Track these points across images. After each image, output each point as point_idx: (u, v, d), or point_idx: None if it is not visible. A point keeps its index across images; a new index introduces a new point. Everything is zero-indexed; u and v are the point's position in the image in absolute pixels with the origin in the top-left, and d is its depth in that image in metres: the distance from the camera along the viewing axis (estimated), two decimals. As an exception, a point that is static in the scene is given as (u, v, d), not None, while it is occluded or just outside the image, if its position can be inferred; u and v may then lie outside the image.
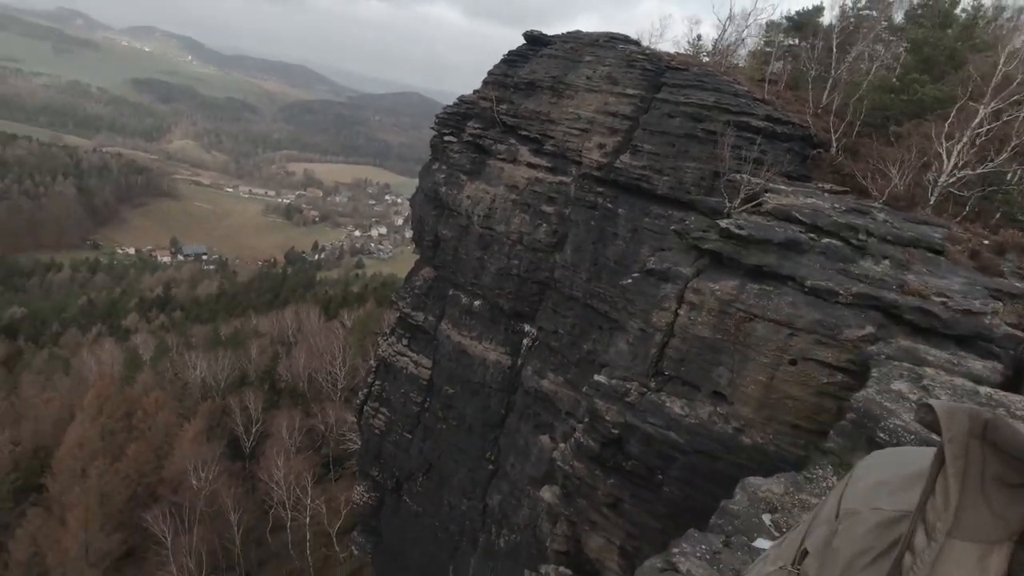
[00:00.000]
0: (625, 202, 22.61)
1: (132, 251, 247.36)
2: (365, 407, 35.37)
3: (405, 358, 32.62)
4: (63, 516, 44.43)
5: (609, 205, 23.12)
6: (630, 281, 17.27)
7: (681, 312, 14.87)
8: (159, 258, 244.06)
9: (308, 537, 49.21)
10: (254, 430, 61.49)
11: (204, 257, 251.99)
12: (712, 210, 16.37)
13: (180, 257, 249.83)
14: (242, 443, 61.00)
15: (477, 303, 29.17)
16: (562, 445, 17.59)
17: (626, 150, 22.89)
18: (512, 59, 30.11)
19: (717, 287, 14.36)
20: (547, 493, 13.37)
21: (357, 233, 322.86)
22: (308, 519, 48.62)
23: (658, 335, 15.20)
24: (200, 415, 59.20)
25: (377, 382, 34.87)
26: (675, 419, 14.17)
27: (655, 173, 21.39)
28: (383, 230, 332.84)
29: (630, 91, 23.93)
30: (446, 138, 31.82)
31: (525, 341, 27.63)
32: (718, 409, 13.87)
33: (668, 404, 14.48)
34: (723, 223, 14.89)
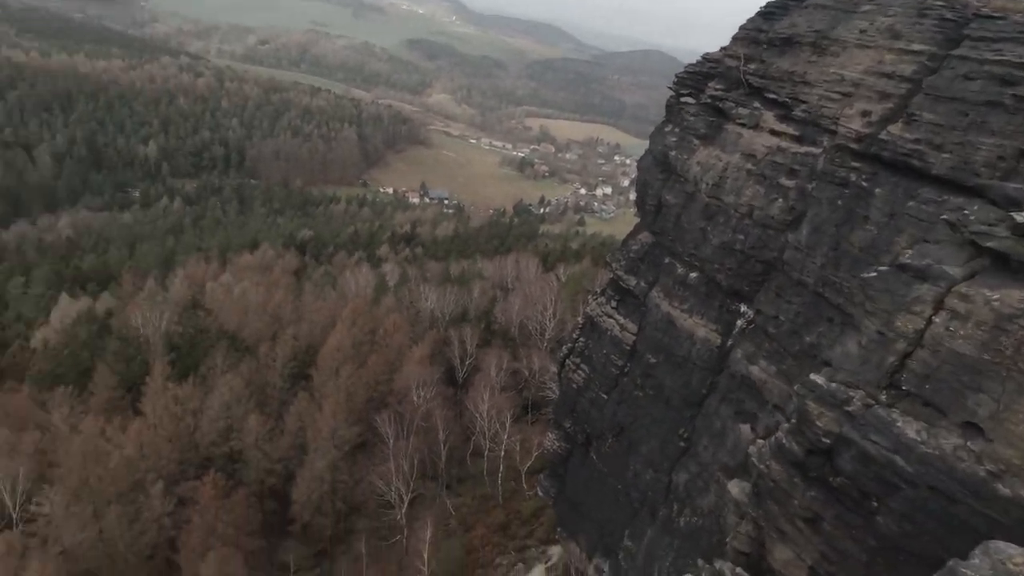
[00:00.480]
0: (886, 181, 19.21)
1: (390, 191, 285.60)
2: (567, 361, 36.59)
3: (611, 320, 32.77)
4: (320, 404, 54.63)
5: (864, 183, 19.87)
6: (875, 274, 14.85)
7: (937, 320, 12.40)
8: (410, 199, 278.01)
9: (501, 469, 53.66)
10: (467, 363, 67.95)
11: (445, 201, 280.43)
12: (1008, 199, 13.06)
13: (426, 200, 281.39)
14: (456, 372, 67.96)
15: (693, 275, 27.86)
16: (761, 441, 16.26)
17: (897, 119, 19.27)
18: (769, 11, 27.03)
19: (996, 296, 11.62)
20: (736, 488, 12.56)
21: (582, 191, 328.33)
22: (503, 452, 52.92)
23: (900, 342, 12.93)
24: (426, 341, 67.17)
25: (582, 339, 35.70)
26: (906, 443, 12.08)
27: (932, 149, 17.70)
28: (608, 190, 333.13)
29: (916, 47, 19.89)
30: (683, 99, 30.22)
31: (739, 322, 25.74)
32: (969, 444, 11.45)
33: (900, 424, 12.38)
34: (1021, 217, 11.87)
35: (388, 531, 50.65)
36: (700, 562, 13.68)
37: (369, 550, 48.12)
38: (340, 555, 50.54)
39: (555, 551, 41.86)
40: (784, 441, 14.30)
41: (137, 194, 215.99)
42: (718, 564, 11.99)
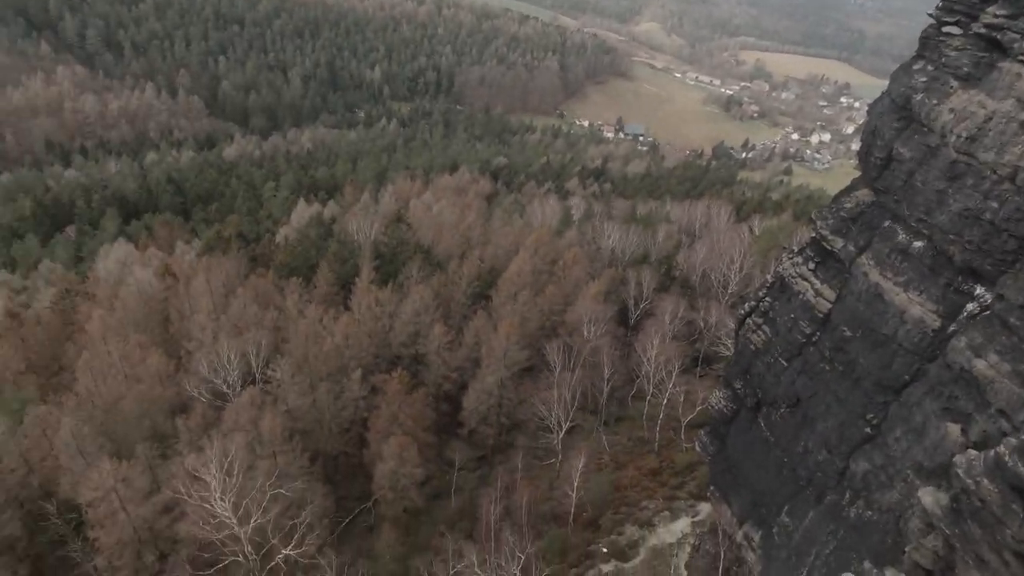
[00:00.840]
0: None
1: (585, 124, 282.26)
2: (748, 319, 34.26)
3: (806, 283, 29.71)
4: (496, 324, 58.29)
5: None
6: None
7: None
8: (604, 132, 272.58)
9: (661, 416, 53.20)
10: (642, 306, 66.99)
11: (640, 138, 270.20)
12: None
13: (621, 135, 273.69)
14: (629, 314, 67.50)
15: (917, 244, 23.88)
16: (973, 452, 13.84)
17: None
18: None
19: None
20: (929, 497, 10.83)
21: (795, 136, 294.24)
22: (665, 401, 52.21)
23: None
24: (603, 279, 67.30)
25: (767, 298, 33.02)
26: None
27: None
28: (825, 137, 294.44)
29: None
30: (945, 28, 24.90)
31: (970, 306, 21.72)
32: None
33: None
34: None
35: (544, 452, 53.73)
36: (867, 565, 12.33)
37: (524, 465, 51.68)
38: (499, 463, 55.05)
39: (704, 508, 41.13)
40: (1007, 458, 12.01)
41: (362, 114, 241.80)
42: (889, 573, 10.66)
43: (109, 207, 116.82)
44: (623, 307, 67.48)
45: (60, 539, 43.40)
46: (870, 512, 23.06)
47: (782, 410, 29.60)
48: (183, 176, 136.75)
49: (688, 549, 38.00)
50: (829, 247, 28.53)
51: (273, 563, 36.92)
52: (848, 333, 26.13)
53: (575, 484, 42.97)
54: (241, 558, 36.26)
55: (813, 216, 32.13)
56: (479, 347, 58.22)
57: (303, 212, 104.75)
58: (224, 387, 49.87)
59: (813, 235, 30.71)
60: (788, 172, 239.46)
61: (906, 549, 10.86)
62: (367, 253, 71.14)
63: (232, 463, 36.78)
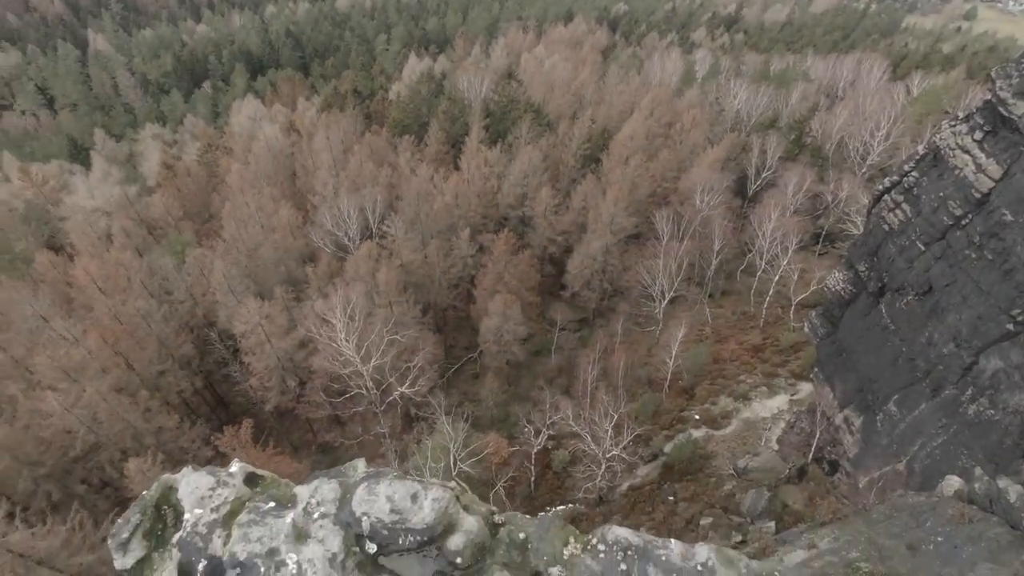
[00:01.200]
0: None
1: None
2: (886, 196, 30.78)
3: (967, 157, 25.77)
4: (605, 189, 56.82)
5: None
6: None
7: None
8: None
9: (770, 293, 51.21)
10: (764, 175, 62.08)
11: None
12: None
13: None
14: (748, 183, 62.98)
15: (1126, 114, 19.63)
16: None
17: None
18: None
19: None
20: None
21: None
22: (777, 277, 49.86)
23: None
24: (723, 144, 62.36)
25: (914, 173, 29.21)
26: None
27: None
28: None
29: None
30: None
31: None
32: None
33: None
34: None
35: (644, 320, 54.33)
36: (978, 471, 11.71)
37: (624, 331, 52.81)
38: (599, 327, 56.65)
39: (804, 388, 40.52)
40: None
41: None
42: (1002, 483, 10.08)
43: (237, 63, 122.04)
44: (742, 176, 62.86)
45: (223, 361, 51.60)
46: (992, 411, 21.63)
47: (909, 298, 27.38)
48: (300, 29, 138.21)
49: (782, 425, 38.24)
50: (1007, 113, 24.15)
51: (391, 398, 41.88)
52: (1009, 218, 22.87)
53: (674, 352, 43.54)
54: (364, 391, 41.39)
55: (993, 73, 26.94)
56: (586, 212, 57.61)
57: (414, 67, 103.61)
58: (345, 240, 53.83)
59: (988, 98, 26.01)
60: (971, 16, 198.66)
61: None
62: (477, 111, 70.07)
63: (354, 309, 40.74)
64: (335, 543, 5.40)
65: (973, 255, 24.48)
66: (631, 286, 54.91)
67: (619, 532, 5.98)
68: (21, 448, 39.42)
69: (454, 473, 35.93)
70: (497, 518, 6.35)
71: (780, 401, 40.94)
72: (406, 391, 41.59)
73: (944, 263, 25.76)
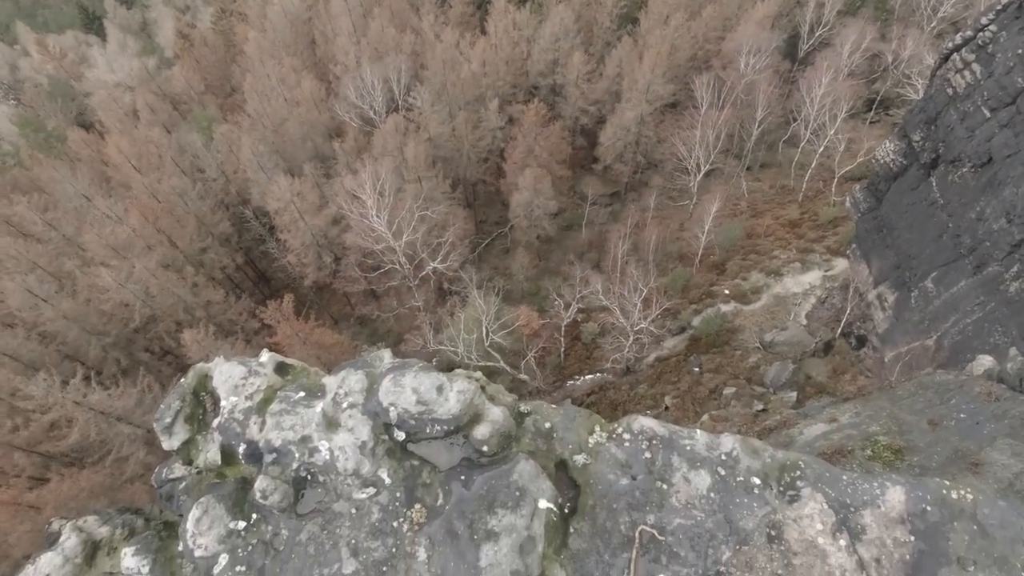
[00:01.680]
0: None
1: None
2: (955, 55, 27.94)
3: (1055, 7, 22.93)
4: (641, 53, 52.87)
5: None
6: None
7: None
8: None
9: (813, 165, 48.84)
10: (817, 35, 56.78)
11: None
12: None
13: None
14: (799, 43, 57.84)
15: None
16: None
17: None
18: None
19: None
20: None
21: None
22: (822, 148, 47.24)
23: None
24: (775, -2, 56.37)
25: (991, 27, 26.20)
26: None
27: None
28: None
29: None
30: None
31: None
32: None
33: None
34: None
35: (678, 194, 52.93)
36: (1013, 351, 11.61)
37: (657, 205, 51.74)
38: (631, 201, 55.56)
39: (839, 264, 39.86)
40: None
41: None
42: None
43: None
44: (794, 35, 57.46)
45: (260, 238, 52.96)
46: (1035, 289, 21.13)
47: (964, 170, 25.85)
48: None
49: (812, 301, 38.21)
50: (1111, -45, 21.02)
51: (424, 273, 42.90)
52: (1092, 80, 20.73)
53: (706, 227, 42.82)
54: (397, 266, 42.39)
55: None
56: (621, 79, 54.22)
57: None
58: (371, 112, 52.32)
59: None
60: None
61: None
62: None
63: (383, 185, 40.56)
64: (364, 431, 5.67)
65: (1044, 122, 22.60)
66: (665, 159, 52.91)
67: (644, 422, 6.11)
68: (87, 319, 42.39)
69: (487, 344, 37.60)
70: (523, 407, 6.49)
71: (813, 277, 40.58)
72: (438, 266, 42.45)
73: (1010, 131, 23.91)
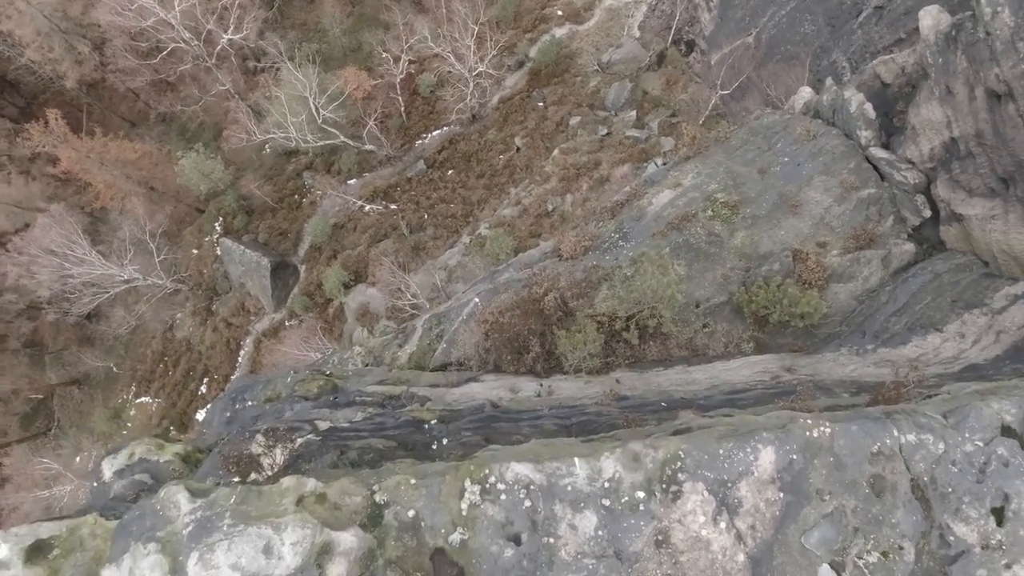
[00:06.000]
0: None
1: None
2: None
3: None
4: None
5: None
6: None
7: None
8: None
9: None
10: None
11: None
12: None
13: None
14: None
15: None
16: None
17: None
18: None
19: None
20: (929, 19, 9.17)
21: None
22: None
23: None
24: None
25: None
26: None
27: None
28: None
29: None
30: None
31: None
32: None
33: None
34: None
35: None
36: (828, 82, 11.91)
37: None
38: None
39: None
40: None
41: None
42: (847, 92, 10.22)
43: None
44: None
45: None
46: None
47: None
48: None
49: (644, 9, 37.19)
50: None
51: (219, 48, 35.75)
52: None
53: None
54: (183, 43, 34.77)
55: None
56: None
57: None
58: None
59: None
60: None
61: (872, 63, 10.37)
62: None
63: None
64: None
65: None
66: None
67: (517, 468, 5.52)
68: None
69: (320, 121, 34.03)
70: (378, 496, 5.41)
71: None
72: (232, 37, 35.39)
73: None
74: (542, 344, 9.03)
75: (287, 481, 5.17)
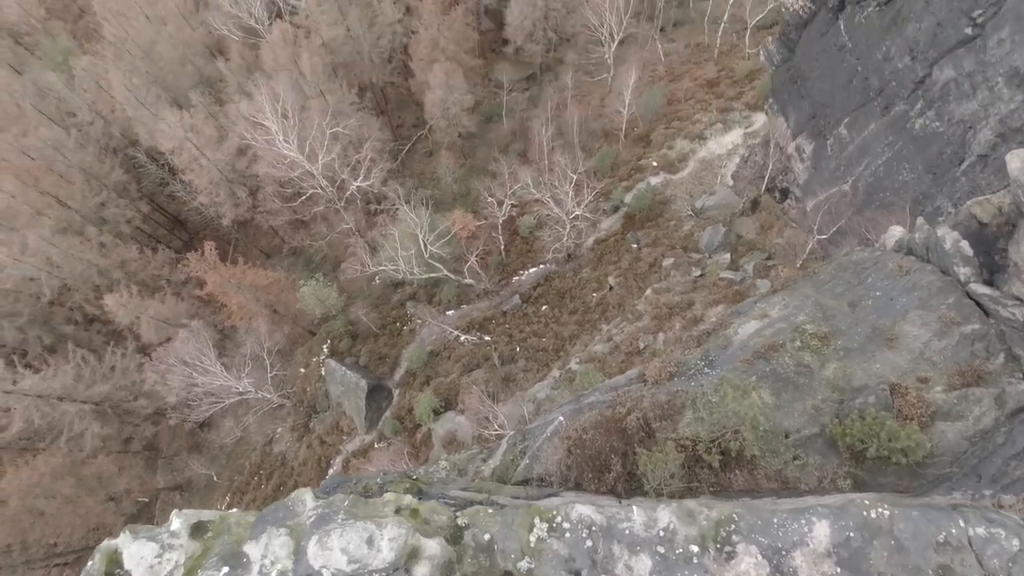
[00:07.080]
0: None
1: None
2: None
3: None
4: (536, -88, 48.37)
5: None
6: None
7: None
8: None
9: (726, 17, 47.73)
10: None
11: None
12: None
13: None
14: None
15: None
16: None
17: None
18: None
19: None
20: (1018, 162, 9.50)
21: None
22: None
23: None
24: None
25: None
26: None
27: None
28: None
29: None
30: None
31: None
32: None
33: None
34: None
35: (595, 67, 51.23)
36: (920, 221, 11.91)
37: (575, 82, 50.08)
38: (548, 82, 53.53)
39: (758, 120, 40.39)
40: None
41: None
42: (940, 231, 10.25)
43: None
44: None
45: (162, 181, 48.76)
46: (938, 123, 22.08)
47: (869, 9, 25.82)
48: None
49: (736, 161, 39.00)
50: None
51: (348, 193, 41.01)
52: (986, -100, 20.43)
53: (627, 99, 42.06)
54: (319, 190, 40.28)
55: None
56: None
57: None
58: (252, 21, 47.01)
59: None
60: None
61: (965, 205, 10.37)
62: None
63: (285, 106, 37.39)
64: (299, 604, 5.25)
65: (942, -50, 22.43)
66: (578, 32, 50.57)
67: (582, 510, 6.11)
68: (-11, 303, 39.17)
69: (427, 256, 37.14)
70: (460, 520, 6.27)
71: (735, 136, 41.12)
72: (361, 184, 40.60)
73: (910, -36, 23.71)
74: (623, 464, 8.92)
75: (389, 495, 6.31)
